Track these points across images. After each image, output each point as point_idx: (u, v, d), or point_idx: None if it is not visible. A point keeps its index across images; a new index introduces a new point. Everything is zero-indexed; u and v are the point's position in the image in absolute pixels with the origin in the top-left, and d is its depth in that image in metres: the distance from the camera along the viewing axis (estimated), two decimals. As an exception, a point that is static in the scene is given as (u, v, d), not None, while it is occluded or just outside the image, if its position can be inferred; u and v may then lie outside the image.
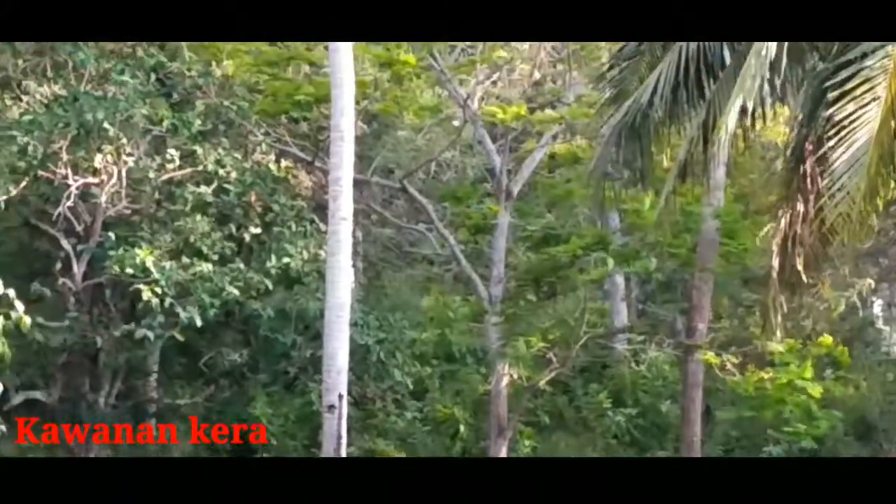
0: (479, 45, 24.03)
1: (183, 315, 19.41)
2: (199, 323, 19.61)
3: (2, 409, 18.41)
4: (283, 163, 22.10)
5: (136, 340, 19.88)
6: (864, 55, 12.27)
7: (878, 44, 12.22)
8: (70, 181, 19.86)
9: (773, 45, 12.35)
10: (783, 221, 13.76)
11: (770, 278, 14.16)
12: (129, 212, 20.77)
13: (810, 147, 13.17)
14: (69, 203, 19.90)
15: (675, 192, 14.60)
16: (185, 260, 19.87)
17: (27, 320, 15.91)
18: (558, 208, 25.57)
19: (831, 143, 11.92)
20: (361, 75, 21.20)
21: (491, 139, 24.44)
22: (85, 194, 20.30)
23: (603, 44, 23.03)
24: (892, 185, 12.49)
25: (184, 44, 21.94)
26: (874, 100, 12.03)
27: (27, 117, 19.71)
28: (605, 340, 25.17)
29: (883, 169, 12.15)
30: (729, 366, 22.92)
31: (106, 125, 19.67)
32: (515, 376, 22.29)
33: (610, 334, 25.68)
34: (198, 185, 20.74)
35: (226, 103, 21.66)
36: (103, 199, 20.23)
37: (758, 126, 14.13)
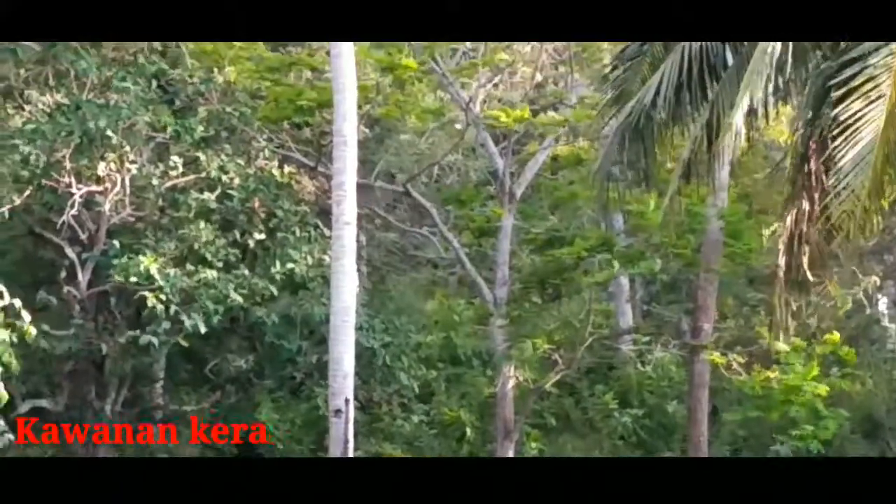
0: (481, 47, 24.05)
1: (187, 322, 19.40)
2: (202, 330, 19.60)
3: (8, 417, 18.40)
4: (287, 168, 22.08)
5: (142, 347, 19.86)
6: (868, 53, 12.27)
7: (881, 42, 12.21)
8: (74, 189, 19.85)
9: (777, 45, 12.35)
10: (789, 220, 13.75)
11: (776, 277, 14.14)
12: (132, 219, 20.76)
13: (815, 146, 13.16)
14: (73, 211, 19.89)
15: (679, 193, 14.60)
16: (189, 267, 19.86)
17: (32, 331, 15.97)
18: (562, 210, 25.58)
19: (837, 141, 11.91)
20: (363, 80, 21.21)
21: (493, 142, 24.44)
22: (89, 202, 20.29)
23: (605, 45, 23.06)
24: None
25: (185, 51, 21.96)
26: (879, 97, 12.03)
27: (30, 126, 19.70)
28: (610, 342, 25.14)
29: (889, 167, 12.14)
30: (735, 365, 22.92)
31: (109, 133, 19.67)
32: (521, 378, 22.28)
33: (615, 335, 25.66)
34: (201, 191, 20.74)
35: (228, 109, 21.65)
36: (107, 206, 20.22)
37: (761, 125, 14.13)
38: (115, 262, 19.57)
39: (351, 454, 17.42)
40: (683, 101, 14.03)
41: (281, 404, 22.46)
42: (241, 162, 21.37)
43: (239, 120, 21.75)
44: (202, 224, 20.36)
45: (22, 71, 20.64)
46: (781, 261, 13.96)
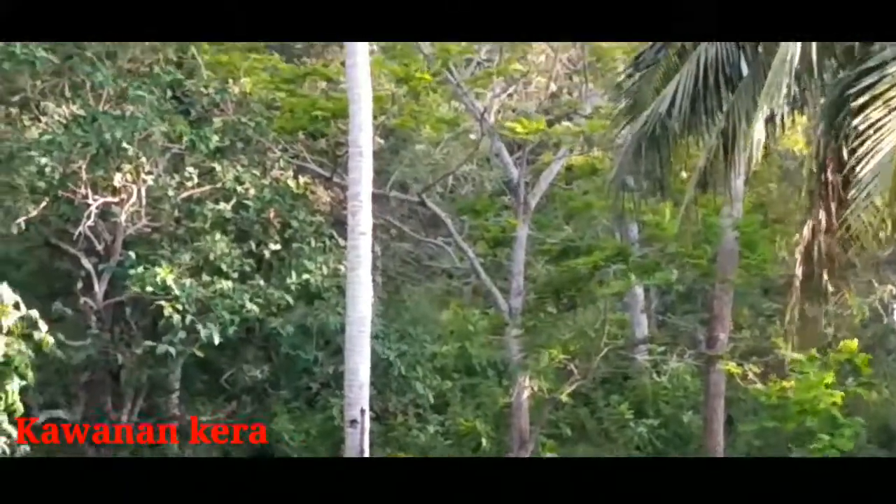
0: (496, 57, 24.07)
1: (203, 332, 19.42)
2: (217, 340, 19.62)
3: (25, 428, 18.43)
4: (302, 179, 22.12)
5: (158, 358, 19.89)
6: (885, 63, 12.24)
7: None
8: (90, 200, 19.90)
9: (796, 53, 12.32)
10: (806, 230, 13.72)
11: (793, 287, 14.11)
12: (148, 230, 20.81)
13: (832, 155, 13.13)
14: (89, 222, 19.94)
15: (695, 203, 14.57)
16: (205, 278, 19.89)
17: (50, 340, 16.02)
18: (576, 220, 25.56)
19: (857, 152, 11.87)
20: (378, 90, 21.25)
21: (508, 152, 24.45)
22: (105, 213, 20.34)
23: (619, 55, 23.06)
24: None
25: (201, 61, 22.02)
26: (899, 107, 11.99)
27: (46, 137, 19.76)
28: (625, 352, 25.12)
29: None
30: (751, 375, 22.87)
31: (125, 144, 19.73)
32: (536, 388, 22.27)
33: (630, 345, 25.64)
34: (217, 202, 20.78)
35: (243, 120, 21.70)
36: (123, 217, 20.27)
37: (777, 134, 14.11)
38: (132, 272, 19.60)
39: (367, 465, 17.42)
40: (699, 110, 14.01)
41: (296, 415, 22.46)
42: (257, 172, 21.41)
43: (254, 130, 21.79)
44: (218, 235, 20.40)
45: (38, 82, 20.70)
46: (798, 270, 13.93)
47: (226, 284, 19.86)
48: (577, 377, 22.42)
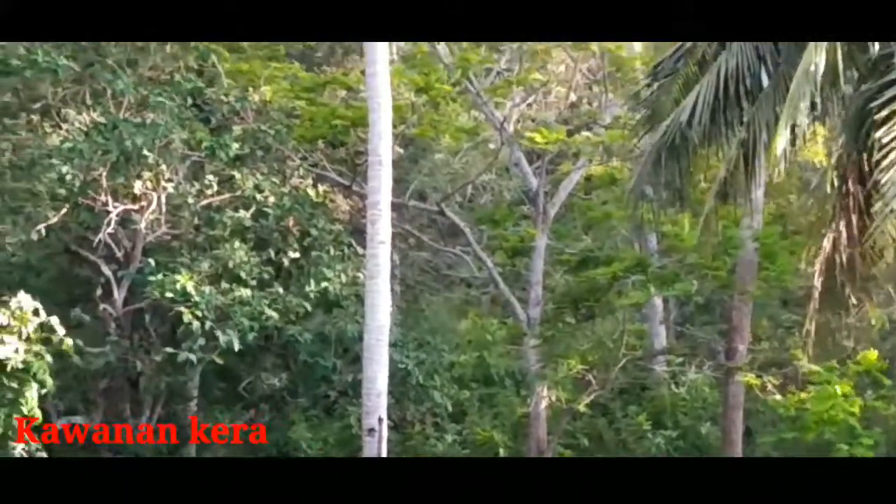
0: (515, 67, 24.09)
1: (223, 338, 19.42)
2: (237, 346, 19.62)
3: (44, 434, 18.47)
4: (321, 187, 22.15)
5: (177, 365, 19.92)
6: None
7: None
8: (110, 208, 19.95)
9: (820, 64, 12.27)
10: (826, 242, 13.68)
11: (813, 299, 14.07)
12: (168, 237, 20.85)
13: (853, 167, 13.09)
14: (109, 229, 19.97)
15: (715, 213, 14.54)
16: (224, 285, 19.91)
17: (69, 342, 16.07)
18: (595, 230, 25.54)
19: (881, 164, 11.82)
20: (398, 100, 21.27)
21: (527, 161, 24.45)
22: (125, 220, 20.39)
23: (638, 65, 23.06)
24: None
25: (221, 70, 22.08)
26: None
27: (67, 145, 19.82)
28: (644, 362, 25.08)
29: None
30: (769, 387, 22.80)
31: (145, 151, 19.77)
32: (554, 398, 22.24)
33: (649, 356, 25.59)
34: (236, 210, 20.82)
35: (263, 128, 21.74)
36: (143, 225, 20.31)
37: (798, 145, 14.07)
38: (151, 279, 19.63)
39: (384, 474, 17.40)
40: (719, 120, 13.99)
41: (314, 423, 22.45)
42: (276, 181, 21.45)
43: (274, 139, 21.83)
44: (237, 242, 20.42)
45: (59, 90, 20.78)
46: (818, 282, 13.89)
47: (245, 292, 19.88)
48: (595, 387, 22.39)
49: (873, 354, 23.94)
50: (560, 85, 25.62)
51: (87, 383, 21.12)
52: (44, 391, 15.92)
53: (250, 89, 22.28)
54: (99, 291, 20.64)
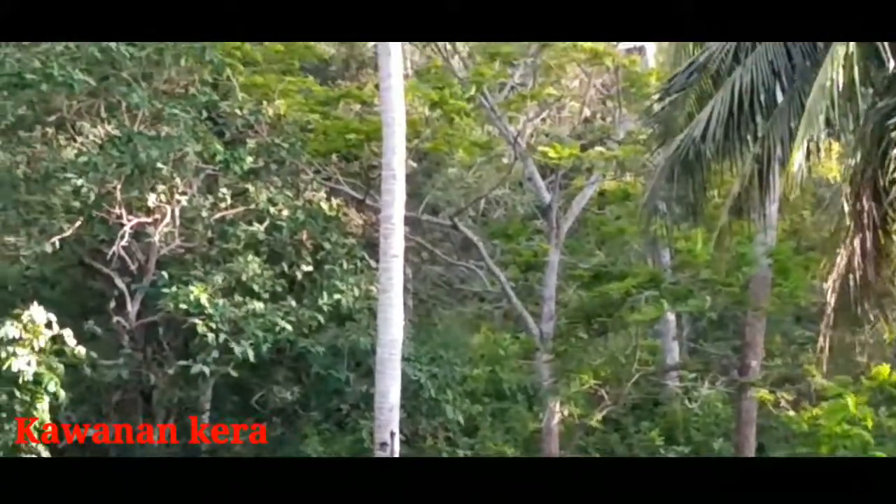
0: (529, 82, 24.09)
1: (237, 350, 19.41)
2: (252, 358, 19.62)
3: (56, 447, 18.49)
4: (335, 201, 22.18)
5: (190, 378, 19.93)
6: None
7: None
8: (124, 221, 20.00)
9: (838, 80, 12.24)
10: (839, 258, 13.65)
11: (826, 315, 14.04)
12: (182, 250, 20.89)
13: (868, 183, 13.07)
14: (123, 242, 20.02)
15: (729, 228, 14.52)
16: (237, 298, 19.93)
17: (81, 350, 16.11)
18: (608, 245, 25.51)
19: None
20: (412, 114, 21.30)
21: (541, 176, 24.45)
22: (139, 233, 20.44)
23: (653, 80, 23.05)
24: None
25: (235, 83, 22.12)
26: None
27: (82, 158, 19.89)
28: (656, 378, 25.03)
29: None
30: (783, 403, 22.74)
31: (159, 164, 19.82)
32: (567, 414, 22.21)
33: (661, 372, 25.54)
34: (250, 223, 20.85)
35: (277, 141, 21.78)
36: (157, 238, 20.36)
37: (812, 161, 14.05)
38: (165, 291, 19.67)
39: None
40: (732, 136, 13.98)
41: (326, 436, 22.41)
42: (290, 194, 21.49)
43: (288, 152, 21.87)
44: (250, 256, 20.46)
45: (74, 103, 20.84)
46: (831, 299, 13.86)
47: (258, 305, 19.90)
48: (608, 403, 22.37)
49: (886, 369, 23.83)
50: (574, 100, 25.63)
51: (101, 396, 21.14)
52: (56, 403, 15.98)
53: (264, 103, 22.32)
54: (112, 304, 20.67)
